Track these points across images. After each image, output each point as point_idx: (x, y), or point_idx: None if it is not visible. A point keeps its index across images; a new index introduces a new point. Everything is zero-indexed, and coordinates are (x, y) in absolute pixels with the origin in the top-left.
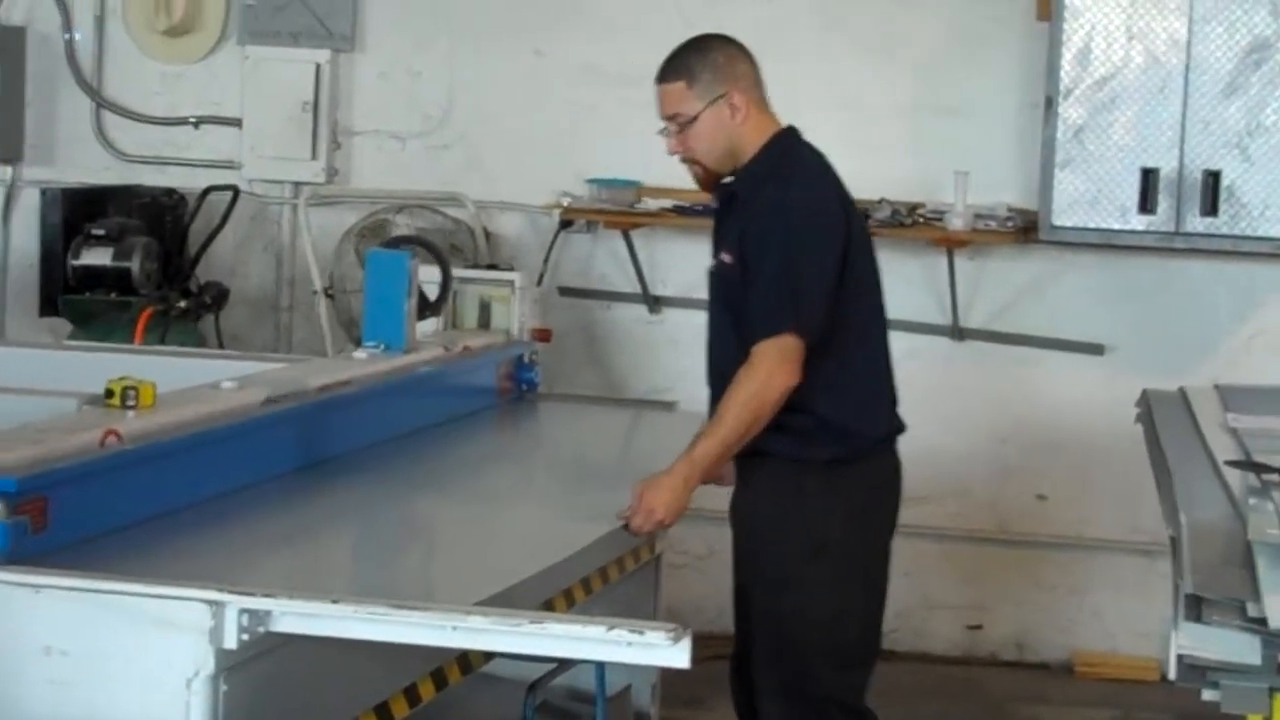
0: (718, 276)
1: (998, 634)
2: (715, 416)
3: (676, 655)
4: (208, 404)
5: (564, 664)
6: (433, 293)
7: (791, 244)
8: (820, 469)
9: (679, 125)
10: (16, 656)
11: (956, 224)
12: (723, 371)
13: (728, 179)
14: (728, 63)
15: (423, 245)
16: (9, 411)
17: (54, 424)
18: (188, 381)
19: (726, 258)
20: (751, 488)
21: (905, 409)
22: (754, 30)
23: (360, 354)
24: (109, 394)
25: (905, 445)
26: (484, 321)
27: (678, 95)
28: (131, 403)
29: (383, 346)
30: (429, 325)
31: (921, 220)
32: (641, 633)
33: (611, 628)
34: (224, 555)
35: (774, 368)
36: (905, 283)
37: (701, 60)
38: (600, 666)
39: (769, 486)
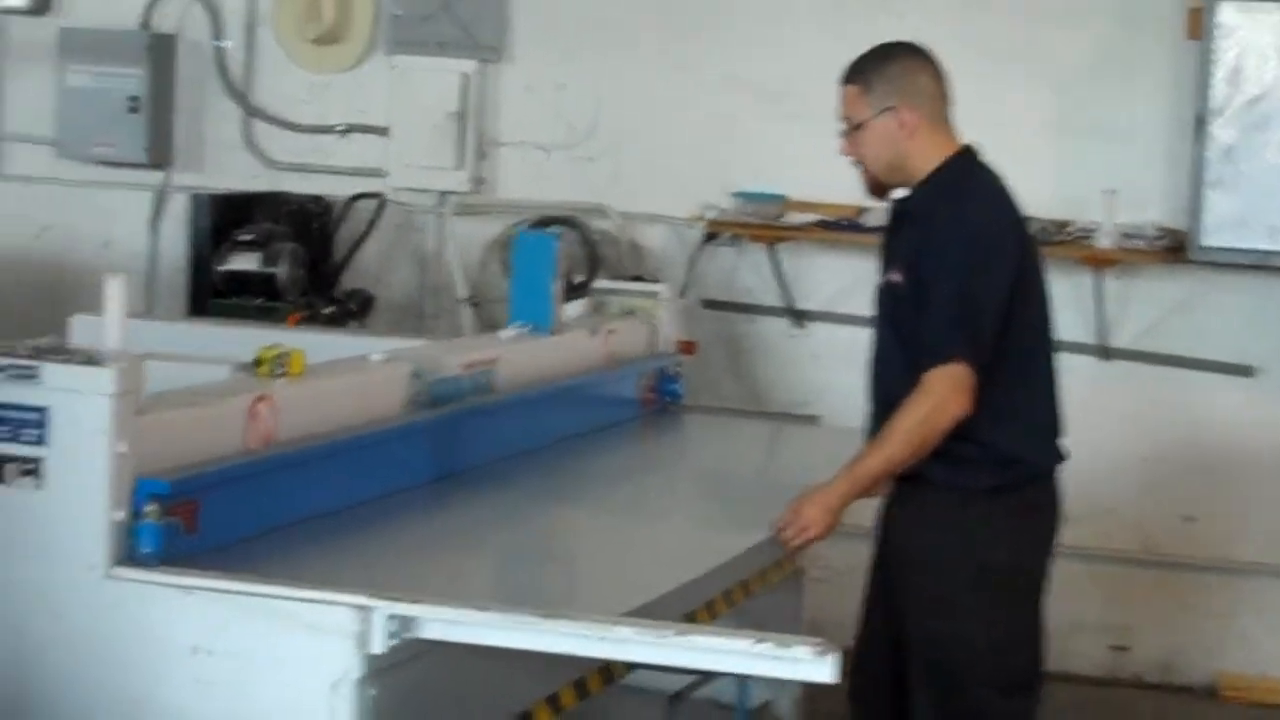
0: (885, 294)
1: (1143, 655)
2: (880, 436)
3: (823, 670)
4: (355, 374)
5: (706, 676)
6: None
7: (967, 268)
8: (982, 496)
9: (849, 128)
10: (165, 656)
11: (1104, 243)
12: (886, 389)
13: (900, 194)
14: (904, 75)
15: (570, 227)
16: (163, 377)
17: (206, 389)
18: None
19: (896, 276)
20: (910, 513)
21: None
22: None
23: (506, 334)
24: (259, 362)
25: None
26: None
27: (851, 99)
28: (281, 370)
29: (529, 327)
30: (575, 308)
31: (1069, 239)
32: (788, 646)
33: (758, 641)
34: (370, 560)
35: (948, 396)
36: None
37: (879, 69)
38: (743, 679)
39: (929, 513)
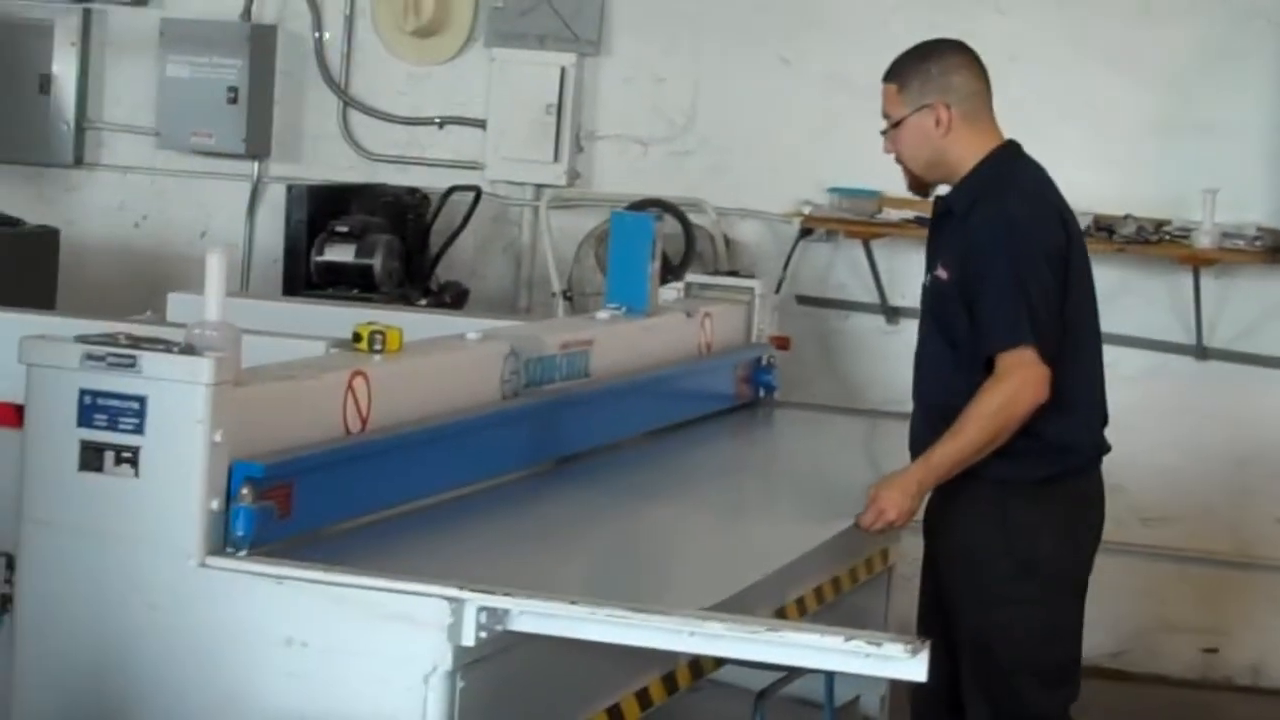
0: (931, 292)
1: (1234, 658)
2: (957, 424)
3: (914, 668)
4: (452, 352)
5: (793, 673)
6: None
7: (1018, 260)
8: (1027, 489)
9: (889, 126)
10: (258, 646)
11: (1204, 242)
12: (930, 388)
13: (942, 190)
14: (942, 73)
15: (667, 209)
16: (259, 354)
17: (303, 363)
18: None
19: (942, 273)
20: (955, 507)
21: (1145, 427)
22: (1000, 42)
23: (602, 315)
24: (356, 338)
25: (1144, 463)
26: None
27: (890, 97)
28: (379, 347)
29: (625, 309)
30: (671, 291)
31: (1168, 237)
32: (880, 644)
33: (850, 638)
34: (461, 551)
35: (1024, 382)
36: (1149, 300)
37: (915, 66)
38: (830, 676)
39: (973, 507)
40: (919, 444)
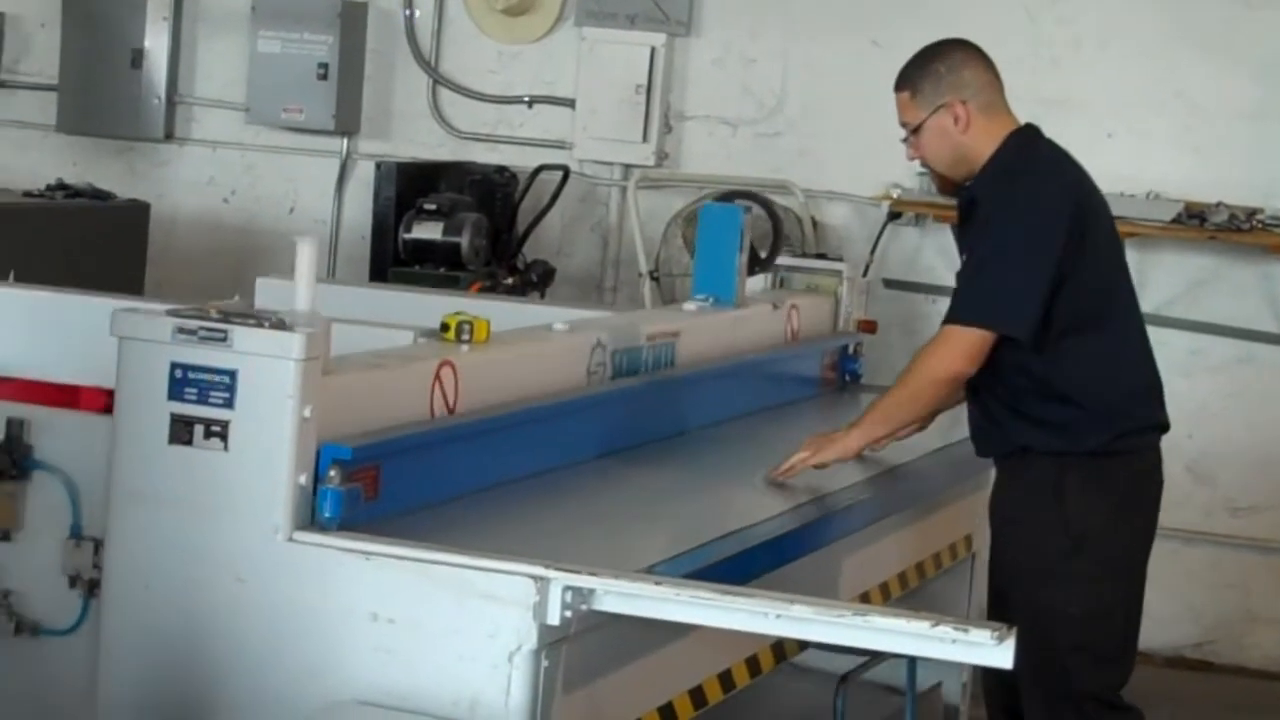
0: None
1: None
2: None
3: (1000, 655)
4: (539, 343)
5: (876, 657)
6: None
7: (1008, 237)
8: (1083, 462)
9: (909, 133)
10: (345, 622)
11: None
12: (978, 374)
13: (968, 184)
14: (950, 71)
15: (757, 201)
16: (347, 342)
17: (391, 352)
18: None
19: None
20: (1011, 485)
21: (1234, 417)
22: (1095, 27)
23: (690, 306)
24: (444, 327)
25: (1232, 452)
26: None
27: (904, 104)
28: (466, 337)
29: (712, 300)
30: (758, 282)
31: (1260, 225)
32: (966, 630)
33: (936, 624)
34: (547, 531)
35: (950, 354)
36: (1239, 289)
37: (921, 70)
38: (912, 662)
39: (1028, 481)
40: (978, 432)
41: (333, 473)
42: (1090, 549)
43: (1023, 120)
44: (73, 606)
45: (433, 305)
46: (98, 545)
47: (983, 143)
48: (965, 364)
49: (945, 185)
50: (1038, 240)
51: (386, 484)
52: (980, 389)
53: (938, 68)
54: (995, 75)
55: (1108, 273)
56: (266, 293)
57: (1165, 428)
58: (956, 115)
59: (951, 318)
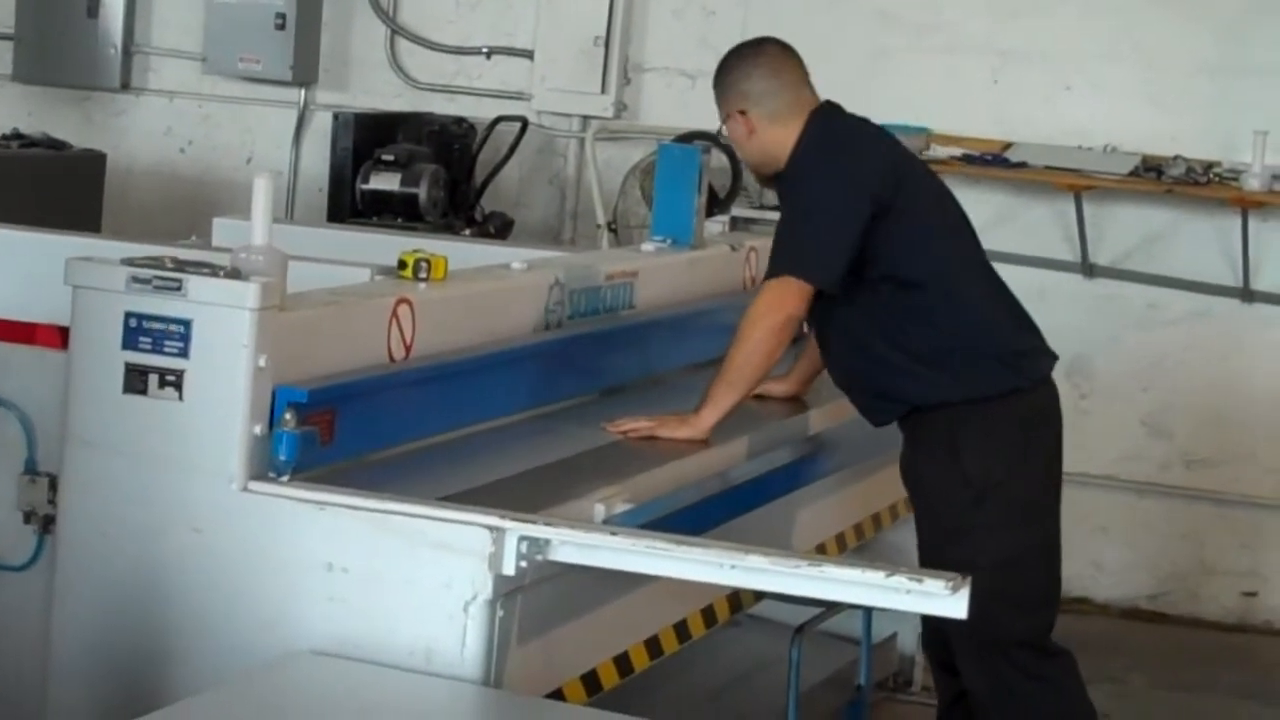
0: None
1: (1273, 602)
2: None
3: (955, 605)
4: (497, 280)
5: (831, 608)
6: None
7: (805, 195)
8: (973, 412)
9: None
10: (301, 572)
11: (1253, 184)
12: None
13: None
14: (735, 84)
15: (714, 143)
16: (304, 280)
17: (347, 289)
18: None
19: None
20: (912, 446)
21: (1190, 370)
22: None
23: (648, 247)
24: (402, 265)
25: (1188, 405)
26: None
27: (716, 101)
28: (424, 275)
29: (670, 241)
30: (716, 225)
31: (1217, 179)
32: (920, 581)
33: (890, 574)
34: (503, 480)
35: (777, 299)
36: (1196, 242)
37: (720, 81)
38: (868, 613)
39: (923, 439)
40: (868, 405)
41: (288, 416)
42: (992, 499)
43: (985, 74)
44: (28, 542)
45: (390, 245)
46: (53, 481)
47: (780, 143)
48: (795, 303)
49: (760, 178)
50: (841, 200)
51: (342, 428)
52: (852, 365)
53: (725, 78)
54: (790, 77)
55: (940, 224)
56: (224, 232)
57: (1048, 353)
58: (745, 124)
59: (768, 274)
